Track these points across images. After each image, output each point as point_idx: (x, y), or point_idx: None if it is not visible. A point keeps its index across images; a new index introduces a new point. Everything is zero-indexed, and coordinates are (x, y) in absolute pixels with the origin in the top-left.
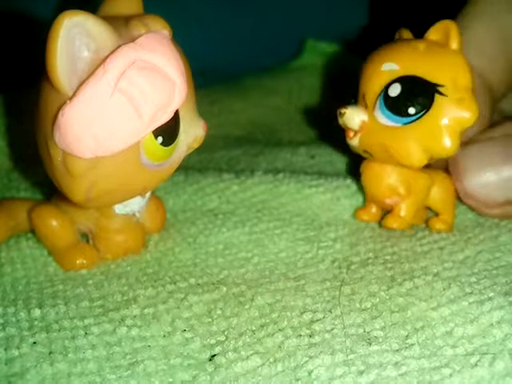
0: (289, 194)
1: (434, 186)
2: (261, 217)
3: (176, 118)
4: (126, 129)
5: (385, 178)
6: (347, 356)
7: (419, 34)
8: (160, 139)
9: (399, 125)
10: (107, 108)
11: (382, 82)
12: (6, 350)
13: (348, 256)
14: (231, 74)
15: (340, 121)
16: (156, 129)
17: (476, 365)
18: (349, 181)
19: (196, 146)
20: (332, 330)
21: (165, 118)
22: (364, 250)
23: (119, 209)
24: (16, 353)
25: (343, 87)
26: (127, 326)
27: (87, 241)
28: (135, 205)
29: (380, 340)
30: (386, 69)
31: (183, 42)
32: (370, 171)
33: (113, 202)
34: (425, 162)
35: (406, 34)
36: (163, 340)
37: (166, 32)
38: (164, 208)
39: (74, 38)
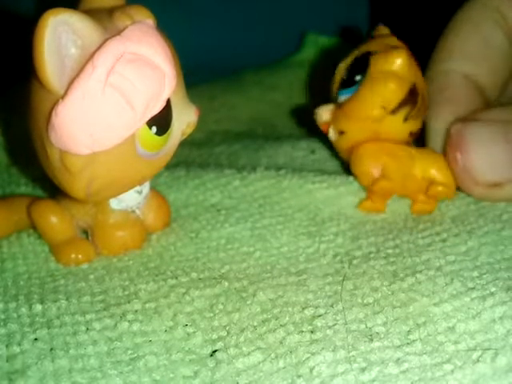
0: (291, 190)
1: (424, 161)
2: (263, 212)
3: (168, 106)
4: (120, 122)
5: (365, 156)
6: (349, 353)
7: (418, 32)
8: (154, 129)
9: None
10: (100, 103)
11: None
12: (7, 346)
13: (350, 250)
14: (231, 69)
15: None
16: (149, 119)
17: (478, 360)
18: (351, 177)
19: (189, 131)
20: (334, 325)
21: (157, 107)
22: (366, 244)
23: (115, 204)
24: (17, 349)
25: None
26: (128, 321)
27: (88, 237)
28: (131, 201)
29: (382, 336)
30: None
31: (182, 37)
32: (353, 156)
33: (114, 194)
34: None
35: None
36: (165, 335)
37: (150, 21)
38: (168, 206)
39: (60, 37)
